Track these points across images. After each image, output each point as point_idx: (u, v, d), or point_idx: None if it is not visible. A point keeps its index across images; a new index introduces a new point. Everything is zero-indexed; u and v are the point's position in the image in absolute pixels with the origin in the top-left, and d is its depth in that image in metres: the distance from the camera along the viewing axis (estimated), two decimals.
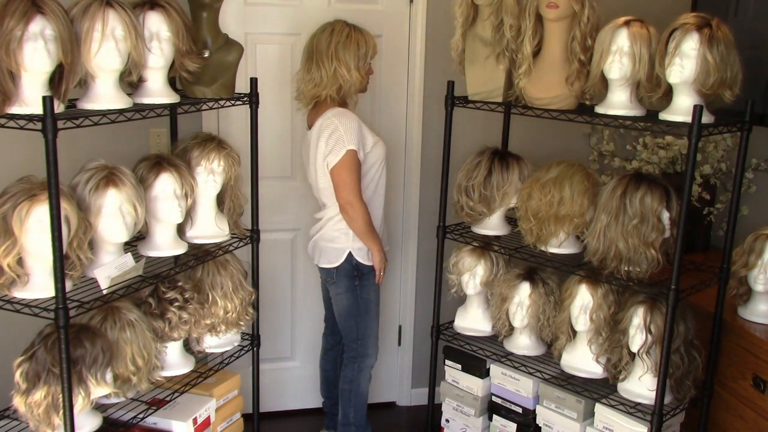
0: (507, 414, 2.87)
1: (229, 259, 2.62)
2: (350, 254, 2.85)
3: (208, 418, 2.56)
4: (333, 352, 3.16)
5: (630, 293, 2.49)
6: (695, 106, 2.17)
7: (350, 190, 2.75)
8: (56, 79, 1.99)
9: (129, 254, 2.22)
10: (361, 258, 2.86)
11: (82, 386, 2.03)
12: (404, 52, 3.29)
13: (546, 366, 2.74)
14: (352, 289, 2.89)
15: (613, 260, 2.41)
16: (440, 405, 3.08)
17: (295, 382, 3.50)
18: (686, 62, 2.24)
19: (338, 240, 2.86)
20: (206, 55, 2.48)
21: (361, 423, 3.01)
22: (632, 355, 2.45)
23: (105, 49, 2.06)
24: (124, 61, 2.12)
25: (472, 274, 2.87)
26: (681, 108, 2.31)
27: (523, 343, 2.81)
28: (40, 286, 2.03)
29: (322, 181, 2.82)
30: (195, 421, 2.48)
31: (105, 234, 2.16)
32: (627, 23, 2.35)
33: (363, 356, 2.96)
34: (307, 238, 3.20)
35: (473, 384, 2.93)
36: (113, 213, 2.14)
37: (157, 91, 2.30)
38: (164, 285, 2.39)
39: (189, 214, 2.45)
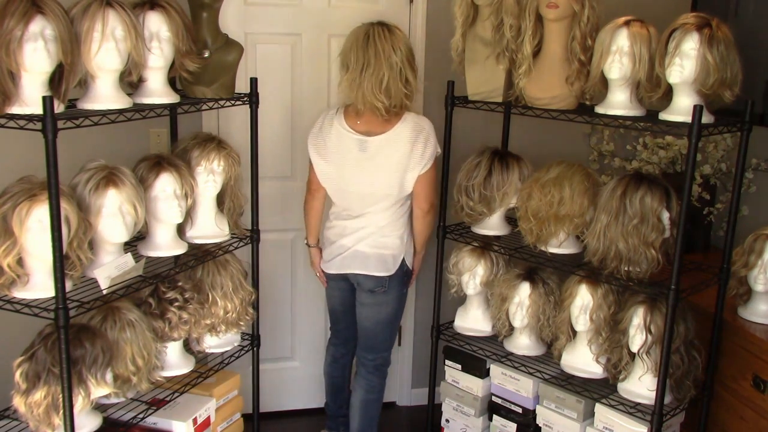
0: (507, 414, 2.87)
1: (229, 259, 2.62)
2: (404, 260, 2.80)
3: (208, 418, 2.56)
4: (343, 360, 3.11)
5: (630, 293, 2.48)
6: (695, 106, 2.17)
7: (436, 193, 2.77)
8: (56, 79, 1.99)
9: (129, 254, 2.22)
10: (410, 262, 2.84)
11: (82, 386, 2.03)
12: None
13: (546, 366, 2.74)
14: (400, 297, 2.85)
15: (613, 260, 2.41)
16: (440, 405, 3.08)
17: (295, 382, 3.50)
18: (686, 62, 2.24)
19: (394, 246, 2.76)
20: (206, 55, 2.48)
21: (374, 429, 3.01)
22: (632, 355, 2.45)
23: (105, 49, 2.06)
24: (124, 61, 2.12)
25: (472, 274, 2.87)
26: (681, 108, 2.31)
27: (523, 343, 2.81)
28: (40, 286, 2.03)
29: (397, 188, 2.69)
30: (195, 421, 2.48)
31: (105, 234, 2.16)
32: (627, 23, 2.35)
33: (388, 363, 2.96)
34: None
35: (473, 384, 2.93)
36: (113, 213, 2.14)
37: (157, 91, 2.31)
38: (164, 285, 2.39)
39: (189, 214, 2.45)
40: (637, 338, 2.39)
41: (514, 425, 2.85)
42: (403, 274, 2.82)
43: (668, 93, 2.36)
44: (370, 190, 2.71)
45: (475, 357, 2.91)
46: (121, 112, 2.14)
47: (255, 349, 2.90)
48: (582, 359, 2.61)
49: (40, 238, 1.95)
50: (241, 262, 2.67)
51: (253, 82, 2.68)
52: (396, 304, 2.85)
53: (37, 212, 1.95)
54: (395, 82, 2.58)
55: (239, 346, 2.80)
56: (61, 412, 1.99)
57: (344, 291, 2.91)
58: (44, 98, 1.81)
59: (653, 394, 2.37)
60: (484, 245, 2.85)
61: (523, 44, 2.56)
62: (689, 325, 2.43)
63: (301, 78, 3.20)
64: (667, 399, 2.41)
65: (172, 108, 2.52)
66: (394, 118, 2.66)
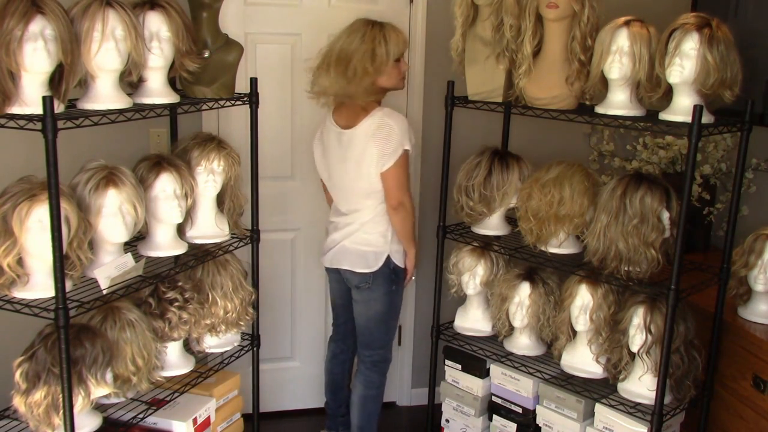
0: (507, 414, 2.87)
1: (229, 259, 2.62)
2: (389, 257, 2.79)
3: (208, 418, 2.56)
4: (343, 356, 3.11)
5: (630, 293, 2.48)
6: (695, 106, 2.17)
7: (405, 190, 2.74)
8: (56, 79, 1.99)
9: (129, 254, 2.22)
10: (398, 261, 2.81)
11: (82, 386, 2.03)
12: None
13: (546, 366, 2.74)
14: (388, 294, 2.84)
15: (613, 260, 2.41)
16: (440, 405, 3.08)
17: (295, 382, 3.50)
18: (686, 62, 2.24)
19: (377, 243, 2.78)
20: (206, 55, 2.48)
21: (374, 426, 3.02)
22: (632, 355, 2.45)
23: (105, 49, 2.06)
24: (124, 61, 2.12)
25: (472, 274, 2.87)
26: (681, 108, 2.31)
27: (523, 343, 2.81)
28: (40, 286, 2.03)
29: (366, 183, 2.71)
30: (195, 421, 2.48)
31: (105, 234, 2.16)
32: (627, 23, 2.35)
33: (386, 360, 2.95)
34: (307, 239, 3.20)
35: (473, 384, 2.93)
36: (113, 213, 2.14)
37: (157, 91, 2.31)
38: (164, 285, 2.39)
39: (189, 214, 2.45)
40: (637, 338, 2.39)
41: (514, 425, 2.85)
42: (390, 271, 2.81)
43: (668, 93, 2.36)
44: (347, 183, 2.77)
45: (475, 357, 2.91)
46: (121, 112, 2.14)
47: (255, 349, 2.90)
48: (582, 359, 2.61)
49: (40, 238, 1.95)
50: (241, 262, 2.67)
51: (253, 82, 2.68)
52: (385, 302, 2.85)
53: (37, 212, 1.95)
54: (330, 73, 2.65)
55: (239, 346, 2.80)
56: (61, 412, 1.99)
57: (341, 284, 2.94)
58: (44, 98, 1.81)
59: (653, 394, 2.37)
60: (484, 245, 2.85)
61: (523, 44, 2.56)
62: (689, 325, 2.43)
63: (301, 78, 3.18)
64: (667, 399, 2.41)
65: (172, 108, 2.52)
66: (363, 113, 2.69)
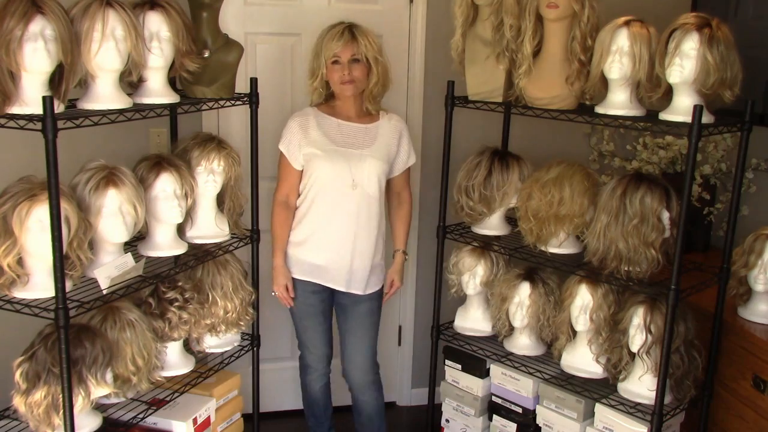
0: (507, 414, 2.87)
1: (229, 259, 2.62)
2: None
3: (208, 418, 2.56)
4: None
5: (630, 293, 2.49)
6: (695, 106, 2.17)
7: (277, 185, 2.77)
8: (56, 79, 1.99)
9: (129, 254, 2.22)
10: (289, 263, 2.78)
11: (82, 386, 2.03)
12: (404, 52, 3.29)
13: (546, 366, 2.74)
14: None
15: (613, 260, 2.41)
16: (440, 405, 3.08)
17: (295, 382, 3.48)
18: (686, 62, 2.24)
19: None
20: (206, 55, 2.48)
21: (309, 416, 3.03)
22: (632, 355, 2.45)
23: (105, 49, 2.06)
24: (124, 61, 2.12)
25: (472, 274, 2.87)
26: (681, 108, 2.31)
27: (523, 343, 2.81)
28: (40, 286, 2.03)
29: None
30: (195, 421, 2.48)
31: (105, 234, 2.17)
32: (627, 23, 2.35)
33: (301, 362, 2.95)
34: None
35: (473, 384, 2.93)
36: (113, 213, 2.14)
37: (157, 91, 2.31)
38: (164, 285, 2.39)
39: (189, 214, 2.46)
40: (637, 338, 2.39)
41: (514, 425, 2.85)
42: None
43: (668, 93, 2.36)
44: None
45: (475, 357, 2.91)
46: (121, 112, 2.14)
47: (255, 349, 2.90)
48: (582, 359, 2.61)
49: (40, 238, 1.95)
50: (241, 262, 2.67)
51: (253, 82, 2.68)
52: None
53: (37, 212, 1.95)
54: None
55: (239, 346, 2.80)
56: (61, 412, 1.99)
57: None
58: (44, 98, 1.81)
59: (653, 394, 2.37)
60: (484, 245, 2.85)
61: (523, 44, 2.56)
62: (689, 325, 2.43)
63: (301, 78, 3.19)
64: (667, 399, 2.41)
65: (172, 108, 2.52)
66: None
